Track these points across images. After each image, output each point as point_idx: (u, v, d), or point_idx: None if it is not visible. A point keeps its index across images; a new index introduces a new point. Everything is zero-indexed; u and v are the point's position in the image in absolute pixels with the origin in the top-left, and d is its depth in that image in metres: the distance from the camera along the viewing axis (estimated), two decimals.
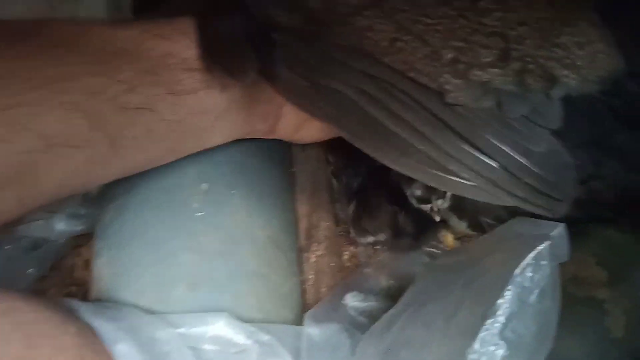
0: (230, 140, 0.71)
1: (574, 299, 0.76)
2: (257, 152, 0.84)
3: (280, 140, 0.93)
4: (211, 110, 0.62)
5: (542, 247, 0.57)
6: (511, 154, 0.57)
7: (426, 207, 0.84)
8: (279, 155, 0.91)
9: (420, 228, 0.88)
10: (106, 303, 0.72)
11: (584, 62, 0.59)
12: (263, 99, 0.67)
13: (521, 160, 0.58)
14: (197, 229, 0.74)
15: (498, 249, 0.63)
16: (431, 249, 0.91)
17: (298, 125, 0.73)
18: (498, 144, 0.57)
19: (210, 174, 0.78)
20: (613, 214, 0.71)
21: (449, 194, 0.82)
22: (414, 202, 0.85)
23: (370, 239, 0.89)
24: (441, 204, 0.84)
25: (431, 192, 0.83)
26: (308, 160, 0.96)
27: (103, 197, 0.84)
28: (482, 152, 0.57)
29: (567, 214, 0.63)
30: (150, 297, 0.72)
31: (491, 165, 0.58)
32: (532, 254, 0.57)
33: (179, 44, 0.57)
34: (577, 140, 0.61)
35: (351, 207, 0.90)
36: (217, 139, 0.69)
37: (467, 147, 0.57)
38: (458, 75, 0.56)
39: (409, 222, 0.87)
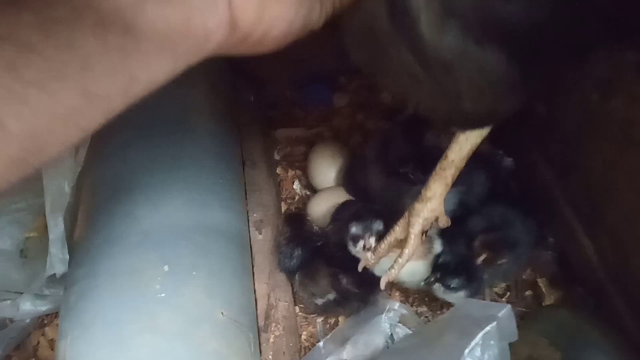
0: (184, 62, 0.46)
1: None
2: (216, 233, 0.88)
3: (239, 218, 0.96)
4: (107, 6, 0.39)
5: (489, 327, 0.61)
6: None
7: (359, 244, 0.88)
8: (237, 236, 0.94)
9: (365, 288, 0.92)
10: None
11: None
12: None
13: None
14: (157, 310, 0.76)
15: (449, 331, 0.67)
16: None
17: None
18: None
19: (172, 255, 0.81)
20: None
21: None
22: (351, 246, 0.89)
23: (319, 301, 0.94)
24: (373, 242, 0.88)
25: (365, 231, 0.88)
26: (265, 240, 1.00)
27: (67, 279, 0.86)
28: None
29: None
30: None
31: None
32: (480, 334, 0.60)
33: None
34: None
35: (297, 277, 0.95)
36: (155, 63, 0.43)
37: None
38: None
39: (351, 282, 0.92)
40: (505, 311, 0.62)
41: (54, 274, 0.86)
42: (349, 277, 0.91)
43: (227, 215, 0.94)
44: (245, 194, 1.06)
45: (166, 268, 0.79)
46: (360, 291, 0.92)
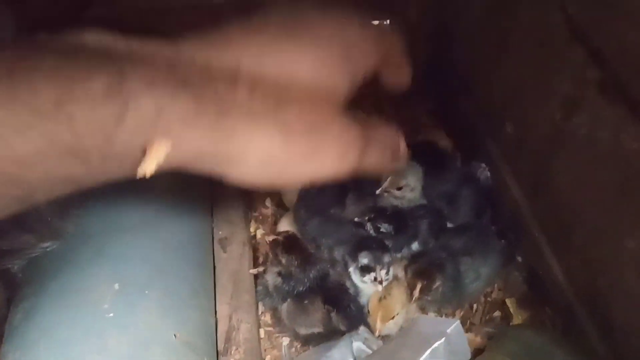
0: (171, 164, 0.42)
1: None
2: (175, 251, 0.85)
3: (201, 236, 0.93)
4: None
5: (437, 344, 0.58)
6: None
7: (370, 276, 0.90)
8: (199, 254, 0.91)
9: (351, 324, 0.90)
10: None
11: None
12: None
13: None
14: (106, 331, 0.73)
15: (403, 349, 0.64)
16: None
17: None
18: None
19: (124, 273, 0.78)
20: None
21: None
22: (357, 277, 0.92)
23: (303, 331, 0.91)
24: (384, 274, 0.90)
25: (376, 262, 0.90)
26: (230, 259, 0.97)
27: (13, 298, 0.81)
28: None
29: None
30: None
31: None
32: (428, 351, 0.58)
33: None
34: None
35: (286, 305, 0.92)
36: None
37: None
38: None
39: (342, 320, 0.89)
40: (454, 327, 0.60)
41: None
42: (340, 315, 0.89)
43: (188, 231, 0.91)
44: (212, 210, 1.04)
45: (117, 286, 0.75)
46: (346, 328, 0.90)
